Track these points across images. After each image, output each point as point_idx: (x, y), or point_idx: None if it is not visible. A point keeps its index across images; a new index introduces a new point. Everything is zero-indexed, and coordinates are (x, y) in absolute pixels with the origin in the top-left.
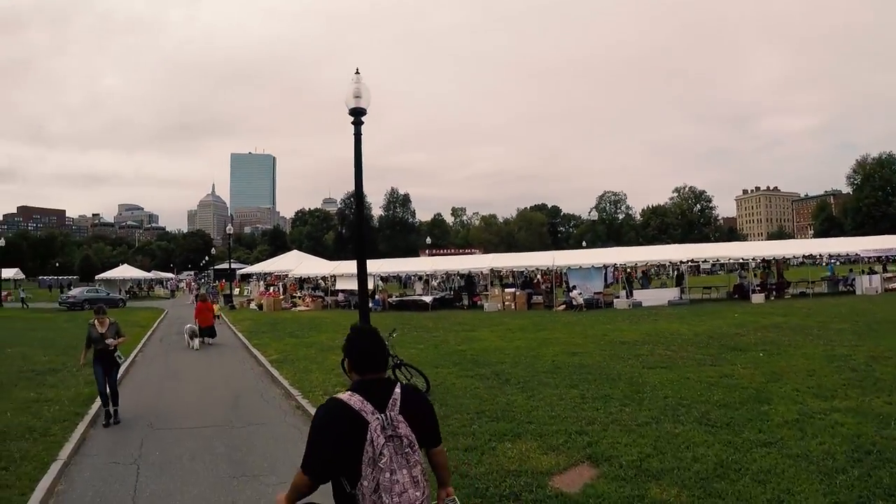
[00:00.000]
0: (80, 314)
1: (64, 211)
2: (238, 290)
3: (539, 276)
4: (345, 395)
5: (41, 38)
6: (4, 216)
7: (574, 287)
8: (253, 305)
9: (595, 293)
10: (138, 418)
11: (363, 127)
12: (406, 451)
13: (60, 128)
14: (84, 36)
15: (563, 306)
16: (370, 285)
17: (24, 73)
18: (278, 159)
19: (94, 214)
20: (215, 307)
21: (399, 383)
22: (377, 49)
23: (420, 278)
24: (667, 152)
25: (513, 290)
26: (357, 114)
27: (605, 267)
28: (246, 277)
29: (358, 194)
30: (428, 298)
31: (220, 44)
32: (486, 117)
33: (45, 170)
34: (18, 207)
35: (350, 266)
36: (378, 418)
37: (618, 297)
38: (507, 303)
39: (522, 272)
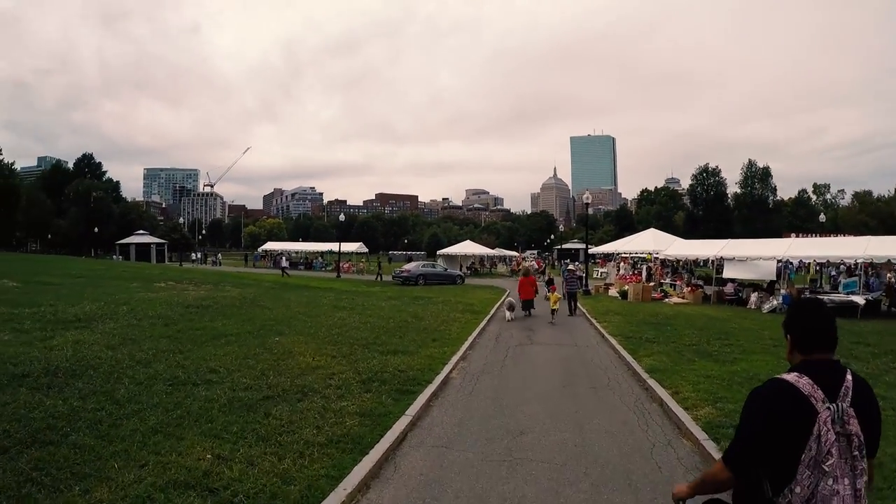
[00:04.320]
0: (409, 291)
1: (416, 196)
2: (584, 272)
3: None
4: (790, 377)
5: (377, 51)
6: (365, 202)
7: None
8: (613, 292)
9: None
10: None
11: None
12: (854, 454)
13: (406, 125)
14: (414, 43)
15: None
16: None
17: (370, 83)
18: (617, 139)
19: (443, 199)
20: (554, 295)
21: (849, 369)
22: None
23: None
24: None
25: None
26: None
27: None
28: (591, 258)
29: None
30: (860, 299)
31: (542, 26)
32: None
33: (396, 162)
34: (377, 194)
35: (745, 247)
36: (829, 409)
37: None
38: None
39: None
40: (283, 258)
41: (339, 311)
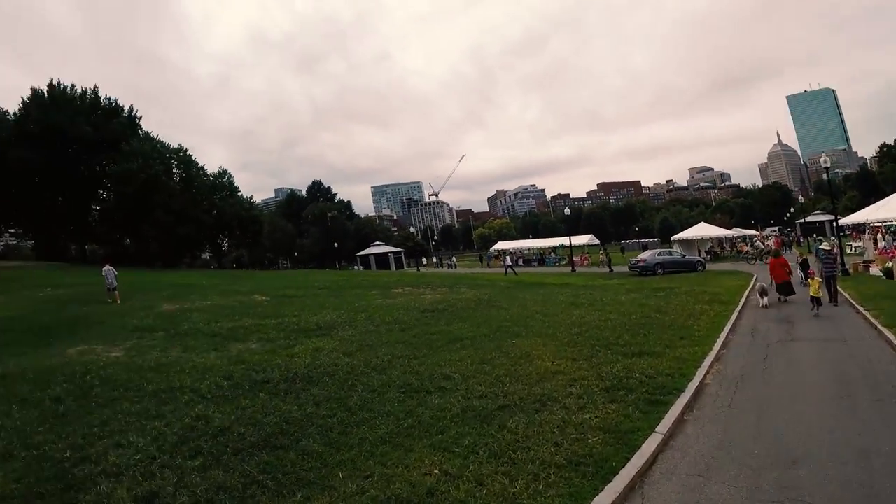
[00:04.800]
0: (648, 282)
1: (639, 181)
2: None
3: None
4: None
5: (562, 44)
6: (588, 193)
7: None
8: (875, 270)
9: None
10: None
11: None
12: None
13: (611, 112)
14: (595, 29)
15: None
16: None
17: (564, 76)
18: (837, 91)
19: (667, 181)
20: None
21: None
22: None
23: None
24: None
25: None
26: None
27: None
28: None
29: None
30: None
31: None
32: None
33: (610, 150)
34: (598, 184)
35: None
36: None
37: None
38: None
39: None
40: (507, 256)
41: (577, 308)
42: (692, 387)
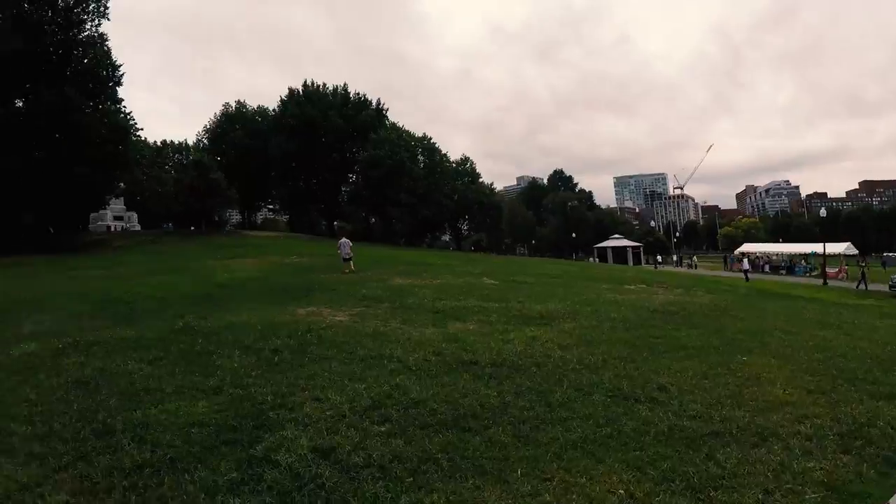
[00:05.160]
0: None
1: None
2: None
3: None
4: None
5: (813, 13)
6: (847, 192)
7: None
8: None
9: None
10: None
11: None
12: None
13: (875, 93)
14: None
15: None
16: None
17: (818, 51)
18: None
19: None
20: None
21: None
22: None
23: None
24: None
25: None
26: None
27: None
28: None
29: None
30: None
31: None
32: None
33: (875, 141)
34: (860, 182)
35: None
36: None
37: None
38: None
39: None
40: (744, 260)
41: (824, 328)
42: None
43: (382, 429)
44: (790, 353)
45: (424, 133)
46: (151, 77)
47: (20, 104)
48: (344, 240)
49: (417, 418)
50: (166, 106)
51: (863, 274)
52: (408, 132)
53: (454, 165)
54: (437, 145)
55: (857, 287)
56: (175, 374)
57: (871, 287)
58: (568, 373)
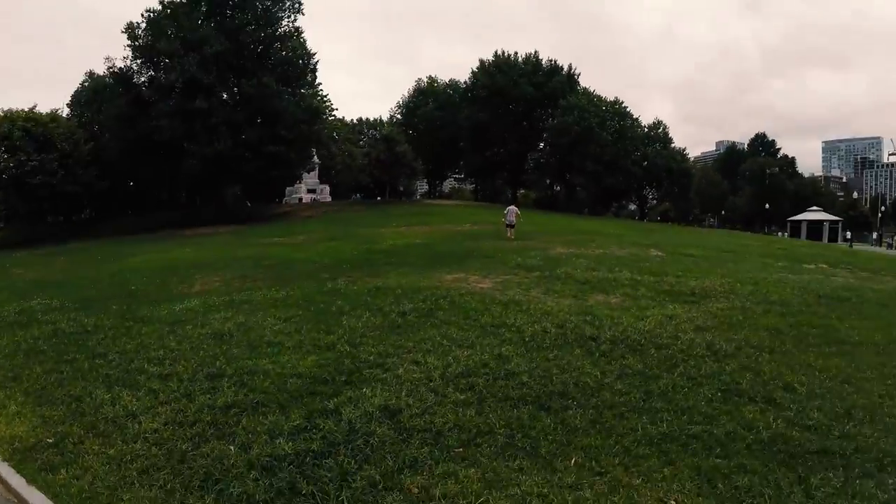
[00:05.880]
0: None
1: None
2: None
3: None
4: None
5: None
6: None
7: None
8: None
9: None
10: None
11: None
12: None
13: None
14: None
15: None
16: None
17: None
18: None
19: None
20: None
21: None
22: None
23: None
24: None
25: None
26: None
27: None
28: None
29: None
30: None
31: None
32: None
33: None
34: None
35: None
36: None
37: None
38: None
39: None
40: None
41: None
42: None
43: (462, 396)
44: None
45: (616, 97)
46: (356, 61)
47: (225, 96)
48: (511, 207)
49: (502, 390)
50: (368, 86)
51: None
52: (599, 97)
53: (646, 130)
54: (628, 109)
55: None
56: (302, 330)
57: None
58: (689, 358)
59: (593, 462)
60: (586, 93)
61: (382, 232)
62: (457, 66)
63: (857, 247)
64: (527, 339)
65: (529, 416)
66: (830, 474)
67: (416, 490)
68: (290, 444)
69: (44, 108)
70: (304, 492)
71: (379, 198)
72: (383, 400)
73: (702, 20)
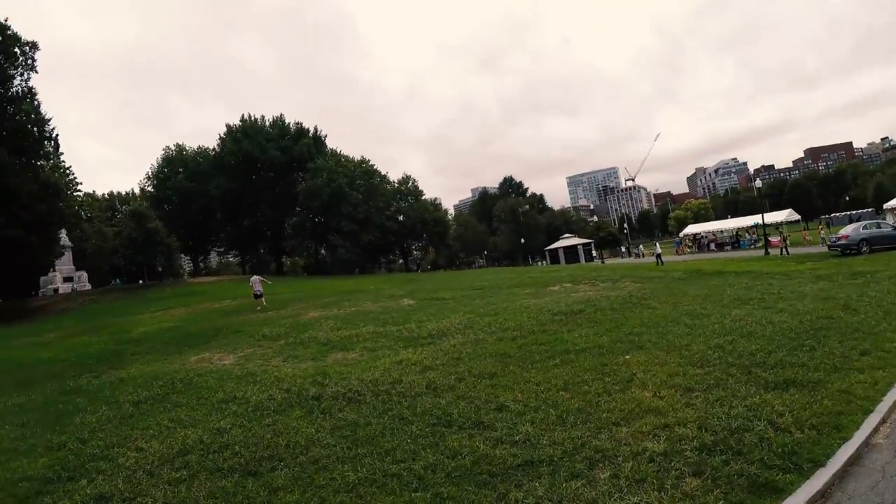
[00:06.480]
0: (848, 264)
1: (850, 143)
2: None
3: None
4: None
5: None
6: (794, 162)
7: None
8: None
9: None
10: None
11: None
12: None
13: (811, 65)
14: None
15: None
16: None
17: (755, 32)
18: None
19: (882, 139)
20: None
21: None
22: None
23: None
24: None
25: None
26: None
27: None
28: None
29: None
30: None
31: None
32: None
33: (815, 111)
34: (805, 150)
35: None
36: None
37: None
38: None
39: None
40: (658, 245)
41: (742, 305)
42: (843, 455)
43: (176, 475)
44: (686, 343)
45: (363, 156)
46: (98, 126)
47: None
48: (255, 277)
49: (214, 462)
50: (116, 154)
51: (783, 239)
52: (346, 157)
53: (396, 185)
54: (376, 167)
55: (781, 254)
56: (36, 434)
57: (815, 250)
58: (405, 399)
59: None
60: (334, 154)
61: (139, 319)
62: (209, 131)
63: (609, 261)
64: (250, 410)
65: (235, 484)
66: (536, 483)
67: None
68: None
69: None
70: None
71: (141, 281)
72: (97, 489)
73: (444, 80)
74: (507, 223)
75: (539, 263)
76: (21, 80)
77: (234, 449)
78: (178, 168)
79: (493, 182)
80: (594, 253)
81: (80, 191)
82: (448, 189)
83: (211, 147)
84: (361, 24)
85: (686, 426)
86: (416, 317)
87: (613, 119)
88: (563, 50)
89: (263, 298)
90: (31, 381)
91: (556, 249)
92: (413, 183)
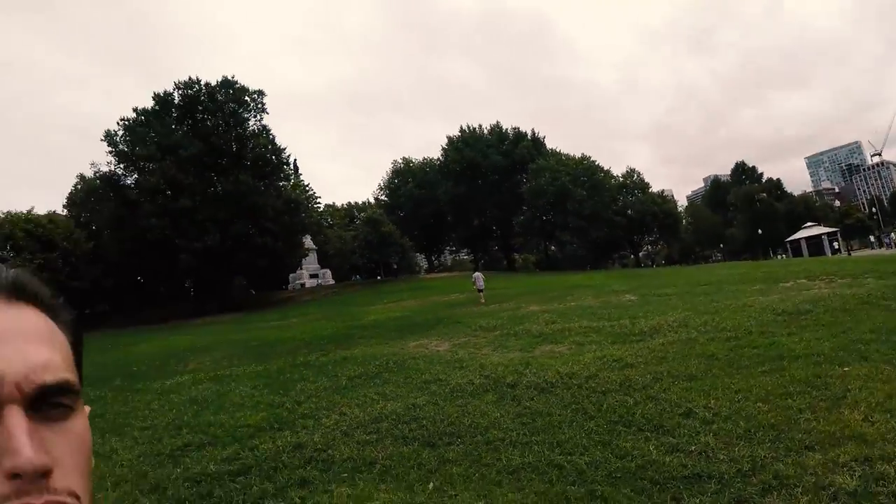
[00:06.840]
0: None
1: None
2: None
3: None
4: None
5: None
6: None
7: None
8: None
9: None
10: None
11: None
12: None
13: None
14: None
15: None
16: None
17: None
18: None
19: None
20: None
21: None
22: None
23: None
24: None
25: None
26: None
27: None
28: None
29: None
30: None
31: None
32: None
33: None
34: None
35: None
36: None
37: None
38: None
39: None
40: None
41: None
42: None
43: (366, 437)
44: None
45: (583, 153)
46: (336, 149)
47: (210, 191)
48: (477, 274)
49: (402, 431)
50: (352, 171)
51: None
52: (566, 156)
53: (621, 180)
54: (598, 163)
55: None
56: (262, 395)
57: None
58: (594, 394)
59: (447, 486)
60: (554, 153)
61: (372, 308)
62: (432, 143)
63: (857, 253)
64: (447, 391)
65: (412, 451)
66: (696, 500)
67: (297, 500)
68: (216, 466)
69: (41, 210)
70: (217, 496)
71: (378, 277)
72: (297, 439)
73: (656, 67)
74: (743, 212)
75: (780, 256)
76: (255, 120)
77: (421, 422)
78: (407, 178)
79: (724, 169)
80: (836, 244)
81: (319, 203)
82: (678, 179)
83: (435, 157)
84: (558, 24)
85: (891, 463)
86: (631, 313)
87: (847, 85)
88: (772, 15)
89: (483, 294)
90: (270, 355)
91: (797, 240)
92: (638, 176)
